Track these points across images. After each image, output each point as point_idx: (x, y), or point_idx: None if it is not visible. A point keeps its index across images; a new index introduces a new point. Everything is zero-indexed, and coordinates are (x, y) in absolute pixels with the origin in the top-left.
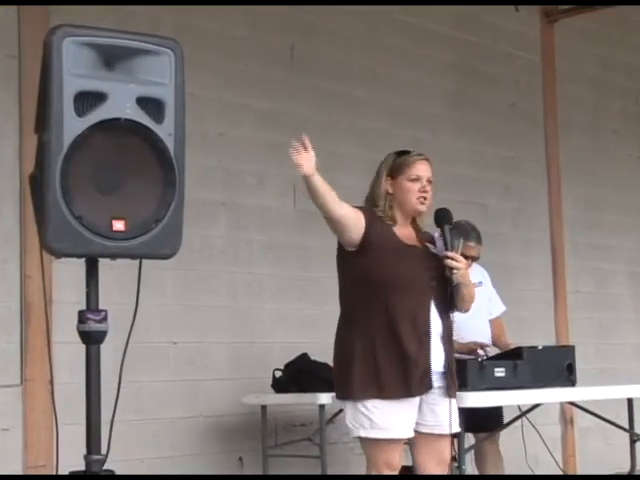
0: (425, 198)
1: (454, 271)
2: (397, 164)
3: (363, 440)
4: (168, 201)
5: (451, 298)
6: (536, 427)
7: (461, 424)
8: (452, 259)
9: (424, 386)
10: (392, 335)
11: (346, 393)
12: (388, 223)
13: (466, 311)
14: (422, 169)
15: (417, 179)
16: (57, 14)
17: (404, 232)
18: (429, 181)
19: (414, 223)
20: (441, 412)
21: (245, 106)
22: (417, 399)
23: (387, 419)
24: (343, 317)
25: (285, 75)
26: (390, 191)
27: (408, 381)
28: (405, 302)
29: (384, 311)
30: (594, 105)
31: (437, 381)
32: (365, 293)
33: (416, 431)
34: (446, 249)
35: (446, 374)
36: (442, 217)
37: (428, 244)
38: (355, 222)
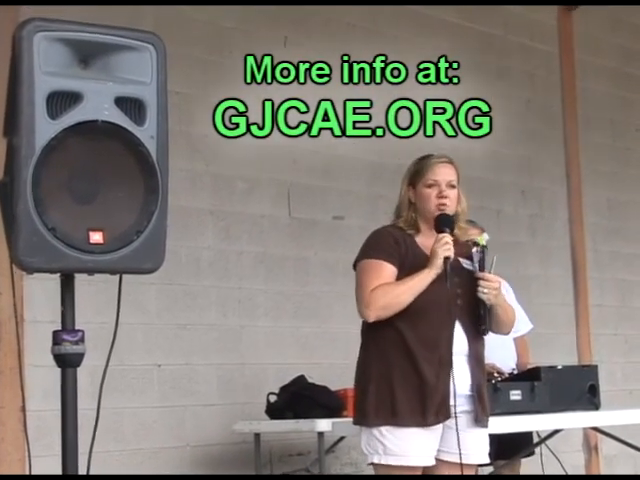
0: (445, 204)
1: (485, 291)
2: (415, 170)
3: (378, 467)
4: (150, 210)
5: (483, 319)
6: (557, 455)
7: (491, 454)
8: (483, 280)
9: (442, 414)
10: (409, 360)
11: (361, 418)
12: (410, 233)
13: (507, 333)
14: (440, 172)
15: (434, 184)
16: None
17: (429, 243)
18: (451, 185)
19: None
20: (468, 439)
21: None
22: (439, 425)
23: (402, 445)
24: (362, 341)
25: None
26: (412, 200)
27: (424, 409)
28: (424, 323)
29: (400, 334)
30: (617, 100)
31: (464, 405)
32: None
33: (438, 459)
34: (478, 269)
35: (474, 397)
36: (442, 223)
37: (462, 259)
38: (393, 277)
